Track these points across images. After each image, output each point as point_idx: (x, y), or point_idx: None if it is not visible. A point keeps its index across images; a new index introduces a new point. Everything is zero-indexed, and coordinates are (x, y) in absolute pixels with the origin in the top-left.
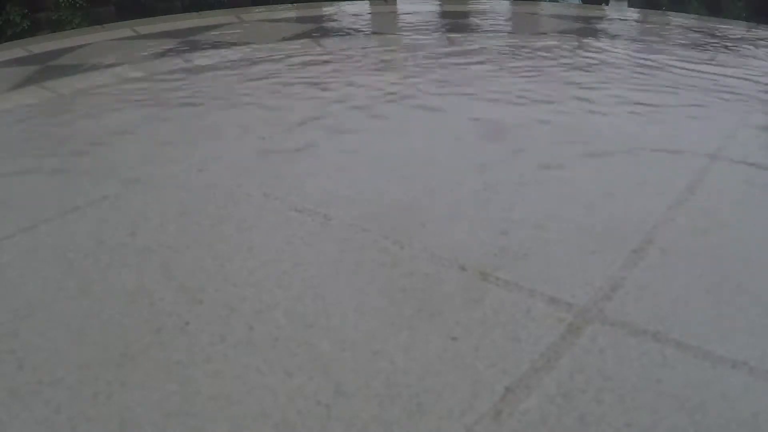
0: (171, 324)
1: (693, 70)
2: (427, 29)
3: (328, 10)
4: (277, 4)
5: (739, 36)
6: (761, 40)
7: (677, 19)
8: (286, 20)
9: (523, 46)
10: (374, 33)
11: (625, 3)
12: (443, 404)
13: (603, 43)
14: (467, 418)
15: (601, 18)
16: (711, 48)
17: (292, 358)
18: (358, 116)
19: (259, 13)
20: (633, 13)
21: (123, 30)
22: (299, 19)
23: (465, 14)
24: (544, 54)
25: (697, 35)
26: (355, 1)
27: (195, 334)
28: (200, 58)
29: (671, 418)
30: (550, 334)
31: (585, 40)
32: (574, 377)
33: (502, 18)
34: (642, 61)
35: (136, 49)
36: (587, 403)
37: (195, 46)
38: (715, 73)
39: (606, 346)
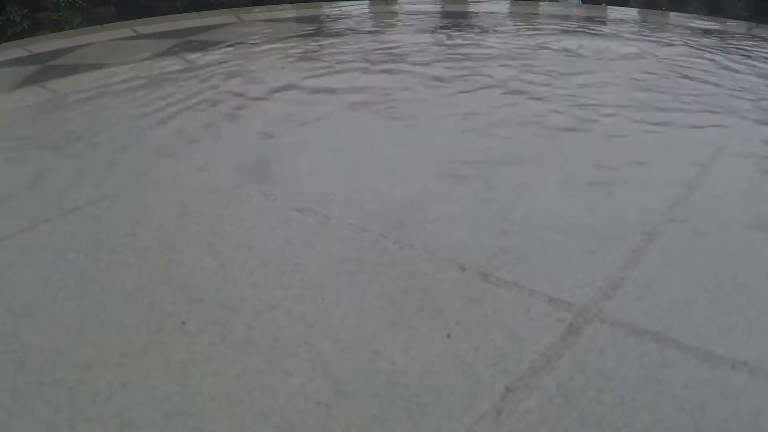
0: (171, 324)
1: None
2: (427, 28)
3: (327, 10)
4: (277, 3)
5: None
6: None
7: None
8: (287, 20)
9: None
10: (374, 32)
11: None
12: (443, 404)
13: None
14: (467, 418)
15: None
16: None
17: (292, 358)
18: (358, 116)
19: (260, 12)
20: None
21: (123, 30)
22: (299, 19)
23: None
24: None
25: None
26: (355, 1)
27: (195, 334)
28: (201, 58)
29: (671, 418)
30: (550, 334)
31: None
32: (574, 377)
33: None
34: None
35: (136, 49)
36: (587, 403)
37: (195, 46)
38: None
39: (606, 346)
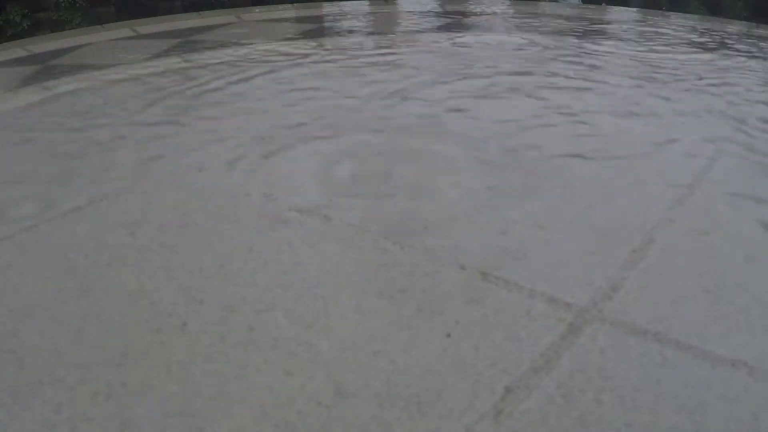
0: (171, 324)
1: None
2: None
3: (328, 10)
4: (277, 3)
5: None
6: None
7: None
8: (287, 20)
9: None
10: (374, 33)
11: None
12: (443, 404)
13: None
14: (467, 418)
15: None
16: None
17: (292, 358)
18: (358, 116)
19: (259, 13)
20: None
21: (123, 30)
22: (300, 20)
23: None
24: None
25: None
26: (355, 1)
27: (195, 334)
28: (200, 58)
29: (671, 418)
30: (550, 334)
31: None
32: (574, 377)
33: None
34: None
35: (136, 49)
36: (587, 403)
37: (195, 46)
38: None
39: (606, 346)
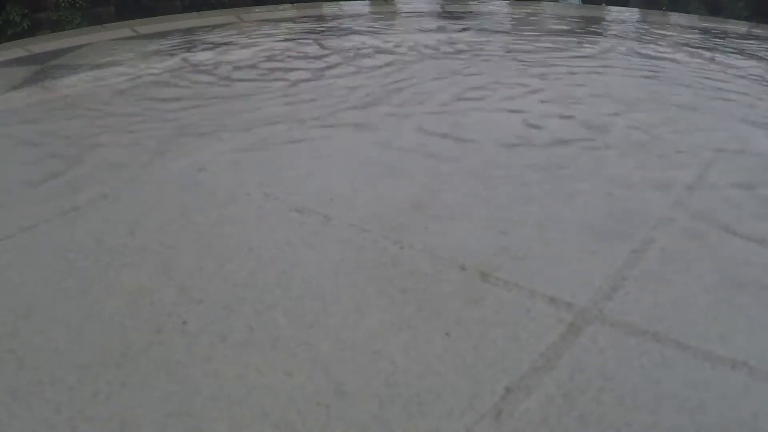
0: (171, 324)
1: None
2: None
3: (328, 10)
4: (277, 3)
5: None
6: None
7: None
8: (286, 20)
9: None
10: (372, 31)
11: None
12: (443, 404)
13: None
14: (467, 418)
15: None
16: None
17: (292, 358)
18: (358, 116)
19: (260, 12)
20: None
21: (123, 30)
22: (299, 19)
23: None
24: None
25: None
26: (355, 1)
27: (195, 334)
28: (201, 58)
29: (671, 418)
30: (550, 334)
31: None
32: (574, 377)
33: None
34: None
35: (136, 49)
36: (587, 403)
37: (195, 46)
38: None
39: (606, 346)
